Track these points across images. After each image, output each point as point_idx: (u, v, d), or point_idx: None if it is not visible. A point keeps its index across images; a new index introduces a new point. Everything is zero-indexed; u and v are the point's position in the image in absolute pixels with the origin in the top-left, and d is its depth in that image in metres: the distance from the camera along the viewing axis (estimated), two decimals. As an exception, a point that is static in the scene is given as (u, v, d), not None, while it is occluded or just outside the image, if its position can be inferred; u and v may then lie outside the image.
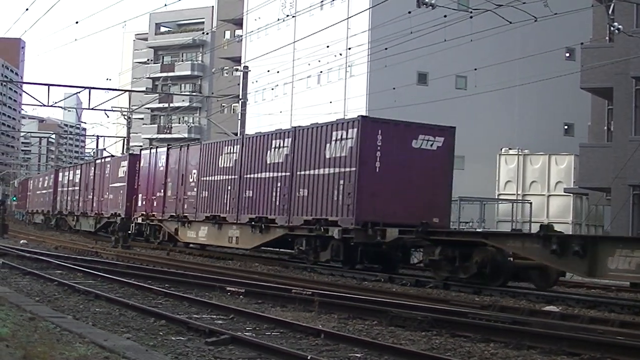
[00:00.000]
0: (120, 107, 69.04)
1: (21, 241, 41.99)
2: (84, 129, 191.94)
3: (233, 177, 34.56)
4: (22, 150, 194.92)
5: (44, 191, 72.65)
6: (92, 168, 55.17)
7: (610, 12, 30.66)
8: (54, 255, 29.99)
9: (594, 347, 11.77)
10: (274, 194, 31.07)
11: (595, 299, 19.42)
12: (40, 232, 60.39)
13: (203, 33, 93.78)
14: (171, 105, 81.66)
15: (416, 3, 32.56)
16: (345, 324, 14.41)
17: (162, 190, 40.74)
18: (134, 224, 43.56)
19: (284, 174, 30.66)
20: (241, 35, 79.06)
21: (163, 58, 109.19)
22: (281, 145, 31.09)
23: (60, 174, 66.01)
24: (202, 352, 11.15)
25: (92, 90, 48.94)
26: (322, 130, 28.98)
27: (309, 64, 59.10)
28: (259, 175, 32.42)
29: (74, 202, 59.28)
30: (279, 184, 30.85)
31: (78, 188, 58.15)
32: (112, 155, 56.72)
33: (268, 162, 31.80)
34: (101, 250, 36.19)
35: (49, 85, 47.77)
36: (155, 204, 41.55)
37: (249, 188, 33.12)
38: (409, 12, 36.65)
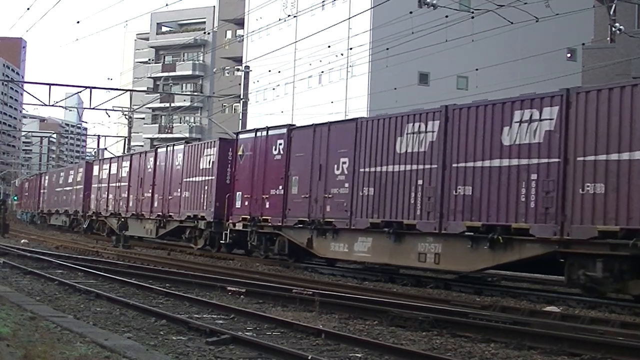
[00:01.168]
0: (122, 107, 69.12)
1: (22, 241, 42.00)
2: (85, 129, 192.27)
3: (430, 166, 23.61)
4: (23, 150, 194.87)
5: (67, 188, 61.64)
6: (152, 158, 43.18)
7: (611, 12, 30.67)
8: (54, 255, 30.01)
9: (594, 348, 11.77)
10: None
11: (595, 300, 19.39)
12: (40, 231, 60.36)
13: (204, 33, 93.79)
14: (172, 105, 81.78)
15: (418, 3, 32.61)
16: (346, 323, 14.40)
17: (280, 187, 30.18)
18: (227, 231, 33.70)
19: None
20: (242, 35, 79.07)
21: (164, 58, 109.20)
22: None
23: (96, 167, 53.94)
24: (203, 351, 11.15)
25: (93, 90, 48.96)
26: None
27: (310, 64, 59.13)
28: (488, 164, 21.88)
29: (119, 201, 47.71)
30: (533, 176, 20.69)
31: (127, 184, 46.40)
32: (187, 141, 43.35)
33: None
34: (102, 250, 36.17)
35: (50, 84, 47.79)
36: (267, 205, 30.82)
37: (467, 183, 22.35)
38: (411, 12, 36.72)
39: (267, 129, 31.63)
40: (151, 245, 42.09)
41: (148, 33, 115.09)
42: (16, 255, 29.47)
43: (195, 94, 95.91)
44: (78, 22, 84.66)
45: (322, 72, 61.35)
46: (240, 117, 50.26)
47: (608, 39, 37.93)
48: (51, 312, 14.31)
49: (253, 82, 57.67)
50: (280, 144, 30.49)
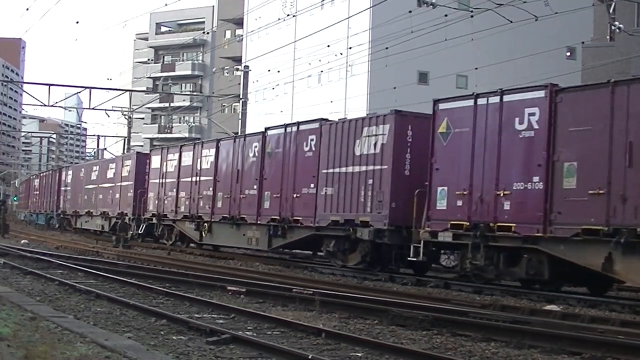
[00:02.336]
0: (121, 107, 69.11)
1: (22, 241, 41.99)
2: (85, 129, 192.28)
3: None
4: (23, 150, 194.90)
5: (106, 185, 51.32)
6: (257, 144, 33.17)
7: (611, 11, 30.69)
8: (55, 255, 30.01)
9: (594, 346, 11.78)
10: None
11: (595, 298, 19.40)
12: (40, 231, 60.35)
13: (203, 33, 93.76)
14: (172, 105, 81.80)
15: (417, 2, 32.64)
16: (346, 323, 14.40)
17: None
18: (420, 245, 23.60)
19: None
20: (242, 35, 79.09)
21: (164, 58, 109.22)
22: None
23: (156, 159, 43.64)
24: (203, 351, 11.15)
25: (92, 90, 49.10)
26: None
27: (310, 64, 59.14)
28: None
29: (196, 201, 37.87)
30: None
31: (212, 178, 36.64)
32: (325, 121, 29.78)
33: None
34: (102, 250, 36.17)
35: (49, 85, 47.86)
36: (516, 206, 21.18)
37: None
38: (410, 12, 36.74)
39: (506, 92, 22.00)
40: (150, 245, 41.93)
41: (147, 33, 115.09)
42: (16, 255, 29.46)
43: (195, 93, 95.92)
44: (77, 22, 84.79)
45: (322, 71, 61.35)
46: (240, 117, 50.31)
47: (608, 37, 37.94)
48: (51, 312, 14.30)
49: (252, 82, 57.72)
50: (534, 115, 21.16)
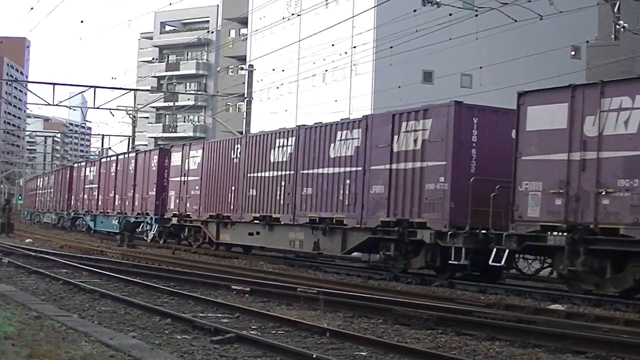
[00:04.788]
0: (125, 106, 69.10)
1: (26, 240, 42.05)
2: (89, 128, 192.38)
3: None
4: (27, 150, 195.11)
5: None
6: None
7: (615, 10, 30.64)
8: (59, 254, 30.02)
9: (599, 346, 11.77)
10: None
11: (600, 297, 19.38)
12: (45, 231, 60.40)
13: (208, 32, 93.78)
14: (176, 104, 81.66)
15: (421, 1, 32.64)
16: (351, 322, 14.41)
17: None
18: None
19: None
20: (246, 34, 79.09)
21: (168, 57, 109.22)
22: None
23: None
24: (208, 350, 11.15)
25: (97, 89, 49.06)
26: None
27: (314, 63, 59.13)
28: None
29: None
30: None
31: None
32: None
33: None
34: (106, 249, 36.19)
35: (54, 84, 47.83)
36: None
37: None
38: (414, 11, 36.76)
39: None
40: (155, 244, 41.94)
41: (152, 32, 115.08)
42: (21, 254, 29.49)
43: (199, 93, 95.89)
44: (82, 21, 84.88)
45: (326, 70, 61.37)
46: (245, 116, 50.32)
47: (612, 36, 37.92)
48: (56, 311, 14.32)
49: (257, 81, 57.73)
50: None
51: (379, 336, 12.69)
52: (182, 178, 39.28)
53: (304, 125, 31.16)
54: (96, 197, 52.98)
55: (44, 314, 13.46)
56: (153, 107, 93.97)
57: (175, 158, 40.67)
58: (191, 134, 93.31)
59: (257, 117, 62.39)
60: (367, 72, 58.93)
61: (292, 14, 54.43)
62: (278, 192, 30.83)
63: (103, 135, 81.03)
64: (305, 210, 29.20)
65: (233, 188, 34.29)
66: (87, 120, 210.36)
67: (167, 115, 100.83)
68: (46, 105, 53.66)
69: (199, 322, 13.14)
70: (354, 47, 54.95)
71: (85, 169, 57.49)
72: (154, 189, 42.41)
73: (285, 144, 30.88)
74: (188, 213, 38.37)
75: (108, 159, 53.46)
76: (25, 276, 22.04)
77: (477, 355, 11.48)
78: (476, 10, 34.75)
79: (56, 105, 51.77)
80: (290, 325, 13.42)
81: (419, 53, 47.06)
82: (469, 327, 13.41)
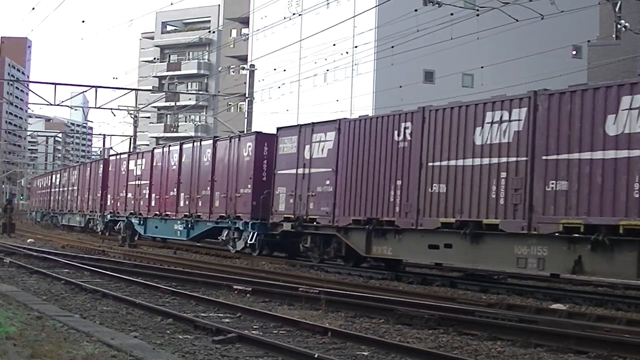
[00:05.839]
0: (127, 106, 69.12)
1: (28, 240, 42.05)
2: (91, 128, 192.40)
3: None
4: (29, 150, 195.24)
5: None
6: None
7: (617, 10, 30.66)
8: (61, 254, 30.02)
9: (600, 345, 11.76)
10: None
11: (602, 297, 19.38)
12: (47, 231, 60.38)
13: (209, 31, 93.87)
14: (178, 103, 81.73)
15: (423, 1, 32.64)
16: (352, 322, 14.41)
17: None
18: None
19: None
20: (247, 34, 79.13)
21: (169, 57, 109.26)
22: None
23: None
24: (210, 350, 11.15)
25: (98, 89, 49.04)
26: None
27: (316, 62, 59.17)
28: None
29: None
30: None
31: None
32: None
33: None
34: (108, 249, 36.19)
35: (55, 84, 47.84)
36: None
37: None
38: (416, 10, 36.77)
39: None
40: (156, 244, 41.95)
41: (153, 32, 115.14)
42: (22, 254, 29.50)
43: (201, 92, 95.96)
44: (83, 21, 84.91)
45: (328, 70, 61.39)
46: (246, 116, 50.32)
47: (613, 36, 37.95)
48: (58, 311, 14.32)
49: (258, 81, 57.81)
50: None
51: (380, 336, 12.69)
52: (301, 170, 29.76)
53: (546, 89, 20.86)
54: (147, 196, 43.62)
55: (46, 314, 13.47)
56: (154, 107, 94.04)
57: (286, 144, 31.00)
58: (192, 134, 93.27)
59: (259, 117, 62.42)
60: (368, 72, 58.96)
61: (294, 14, 54.47)
62: (493, 188, 21.51)
63: (104, 135, 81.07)
64: (553, 214, 19.78)
65: (399, 182, 25.03)
66: (88, 120, 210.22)
67: (168, 115, 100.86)
68: (47, 105, 53.75)
69: (200, 322, 13.14)
70: (355, 46, 55.00)
71: (129, 163, 47.22)
72: (249, 186, 33.17)
73: (505, 118, 21.39)
74: (312, 217, 29.06)
75: (167, 149, 42.57)
76: (27, 276, 22.04)
77: (478, 355, 11.48)
78: (477, 10, 34.75)
79: (57, 105, 51.73)
80: (291, 325, 13.42)
81: (420, 53, 47.10)
82: (471, 327, 13.41)
